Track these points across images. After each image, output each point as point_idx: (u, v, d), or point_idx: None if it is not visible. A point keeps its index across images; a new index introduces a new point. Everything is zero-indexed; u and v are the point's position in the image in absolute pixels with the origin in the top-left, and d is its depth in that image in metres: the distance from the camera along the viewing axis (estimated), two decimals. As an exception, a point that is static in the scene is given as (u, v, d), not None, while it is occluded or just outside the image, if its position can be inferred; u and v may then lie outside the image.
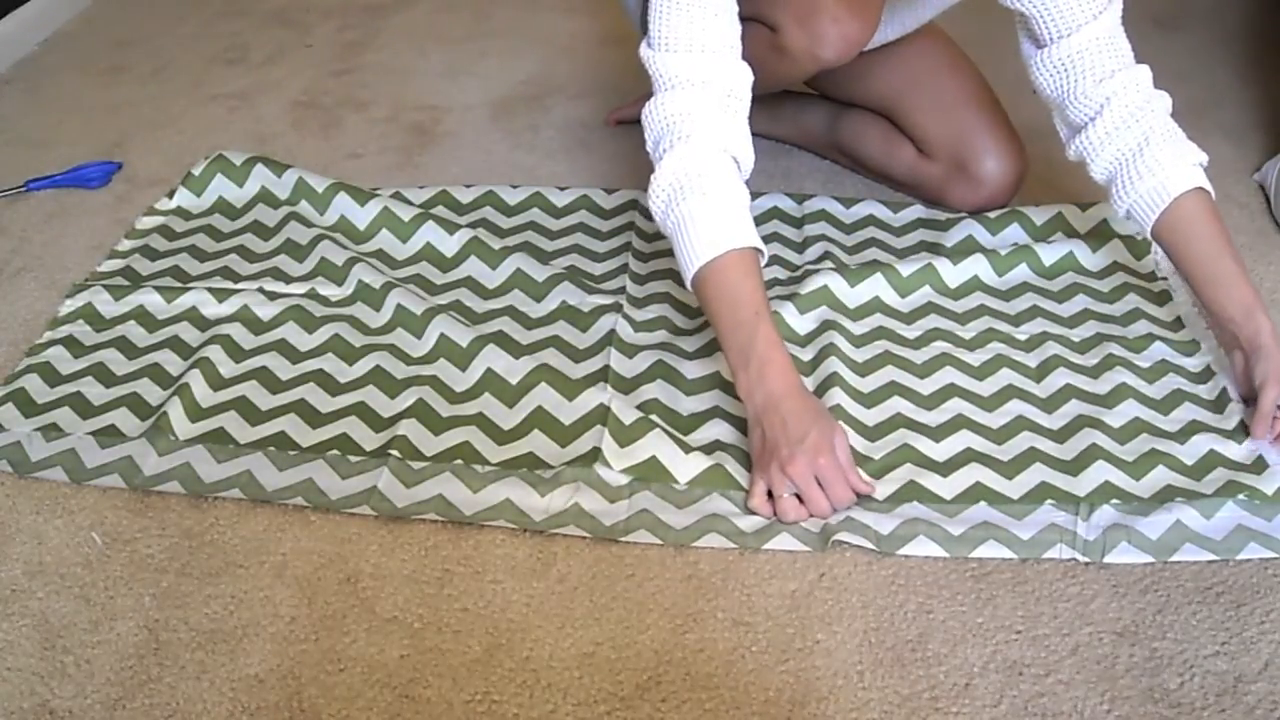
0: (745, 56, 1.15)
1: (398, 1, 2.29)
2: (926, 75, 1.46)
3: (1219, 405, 1.17)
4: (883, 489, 1.09)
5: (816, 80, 1.56)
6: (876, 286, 1.34)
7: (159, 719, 0.91)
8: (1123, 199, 1.20)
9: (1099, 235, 1.42)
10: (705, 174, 1.09)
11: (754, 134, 1.62)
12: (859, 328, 1.30)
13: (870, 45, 1.44)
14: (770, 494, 1.05)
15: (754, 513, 1.07)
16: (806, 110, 1.63)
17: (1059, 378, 1.22)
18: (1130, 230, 1.43)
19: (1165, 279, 1.36)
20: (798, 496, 1.05)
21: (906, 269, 1.35)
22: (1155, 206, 1.16)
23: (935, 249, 1.43)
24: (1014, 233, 1.44)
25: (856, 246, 1.45)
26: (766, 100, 1.65)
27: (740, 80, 1.13)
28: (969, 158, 1.43)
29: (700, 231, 1.08)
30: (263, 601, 1.01)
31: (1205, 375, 1.22)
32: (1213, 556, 1.01)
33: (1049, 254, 1.39)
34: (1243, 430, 1.13)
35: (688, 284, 1.11)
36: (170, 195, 1.58)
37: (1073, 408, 1.17)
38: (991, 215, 1.46)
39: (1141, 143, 1.17)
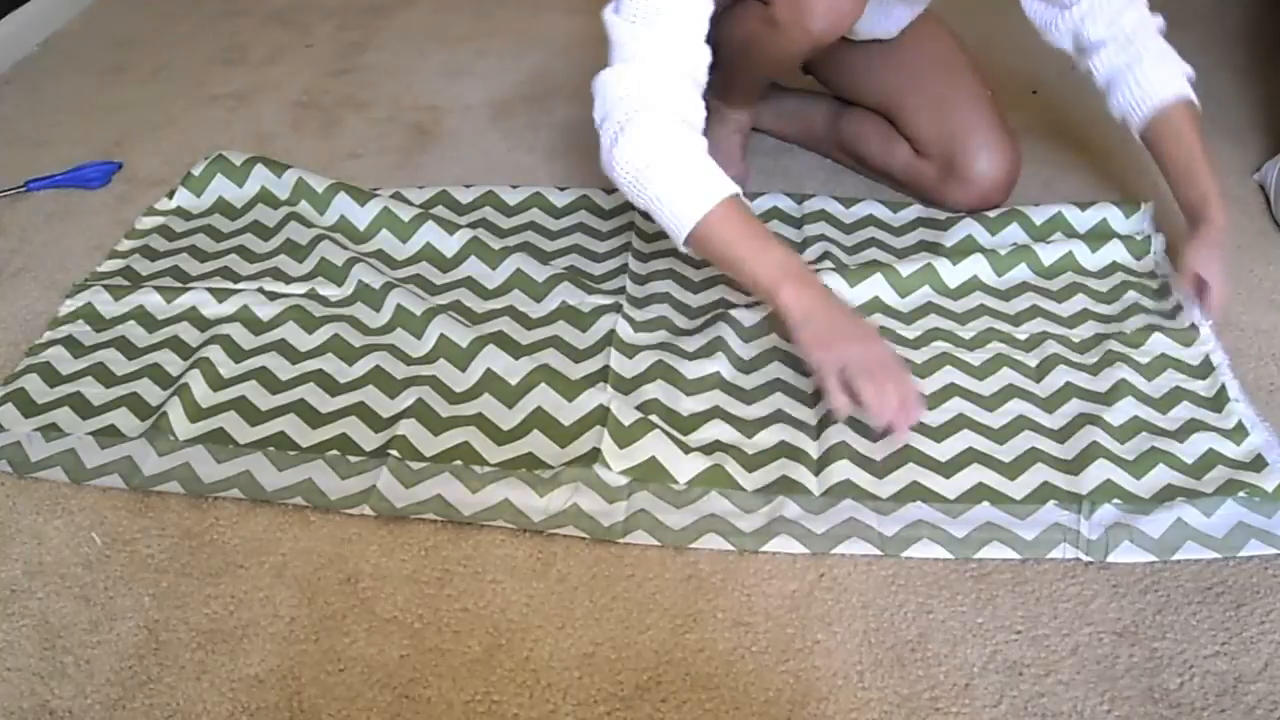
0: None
1: (398, 1, 2.29)
2: (921, 74, 1.47)
3: (1218, 403, 1.17)
4: (886, 488, 1.09)
5: (821, 75, 1.57)
6: (876, 286, 1.34)
7: (159, 719, 0.91)
8: (1117, 106, 1.33)
9: (1099, 235, 1.42)
10: (669, 142, 1.12)
11: (758, 131, 1.64)
12: (859, 328, 1.30)
13: (873, 34, 1.46)
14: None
15: (831, 401, 1.08)
16: (810, 108, 1.64)
17: (1059, 377, 1.22)
18: (1130, 230, 1.43)
19: (1165, 276, 1.37)
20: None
21: (906, 269, 1.35)
22: (1144, 114, 1.30)
23: (935, 249, 1.42)
24: (1014, 232, 1.44)
25: (856, 246, 1.45)
26: (771, 98, 1.66)
27: (700, 63, 1.15)
28: (960, 157, 1.44)
29: (686, 188, 1.11)
30: (263, 601, 1.01)
31: (1204, 370, 1.22)
32: (1214, 554, 1.02)
33: (1049, 254, 1.39)
34: (1242, 429, 1.14)
35: (680, 245, 1.13)
36: (170, 195, 1.58)
37: (1073, 407, 1.18)
38: (991, 215, 1.46)
39: (1134, 60, 1.30)
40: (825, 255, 1.42)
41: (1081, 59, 1.36)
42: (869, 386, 1.05)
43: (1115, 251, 1.40)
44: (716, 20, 1.18)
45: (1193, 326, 1.26)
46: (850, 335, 1.09)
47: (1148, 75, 1.29)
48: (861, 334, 1.11)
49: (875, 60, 1.49)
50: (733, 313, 1.30)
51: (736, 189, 1.12)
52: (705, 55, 1.15)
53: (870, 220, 1.49)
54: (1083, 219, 1.45)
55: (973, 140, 1.43)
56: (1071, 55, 1.38)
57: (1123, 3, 1.32)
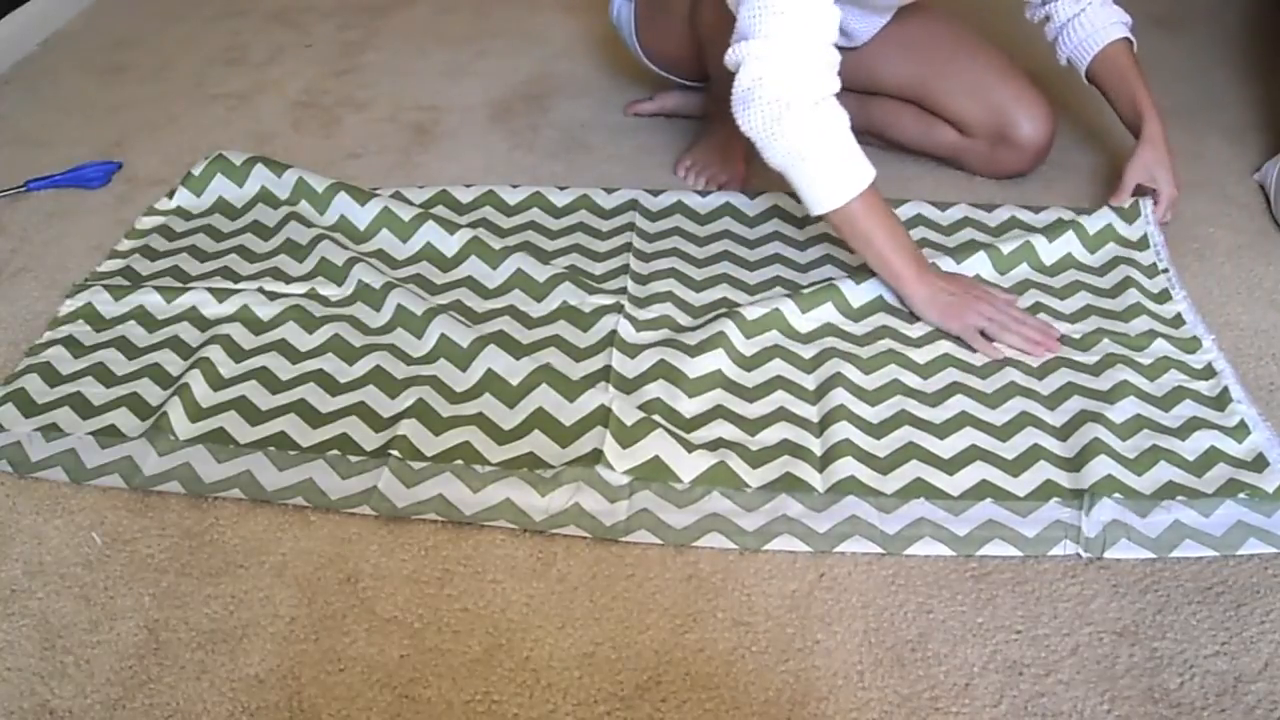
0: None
1: (398, 1, 2.29)
2: (945, 60, 1.55)
3: (1220, 403, 1.17)
4: (889, 484, 1.09)
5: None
6: (880, 285, 1.33)
7: (159, 719, 0.91)
8: (1064, 49, 1.49)
9: (1099, 235, 1.42)
10: (822, 129, 1.20)
11: None
12: (862, 327, 1.30)
13: (872, 32, 1.53)
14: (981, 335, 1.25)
15: (986, 354, 1.25)
16: None
17: (1060, 375, 1.22)
18: (1131, 234, 1.44)
19: (1166, 270, 1.37)
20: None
21: None
22: (1089, 54, 1.47)
23: (937, 246, 1.43)
24: (1017, 237, 1.43)
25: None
26: None
27: (833, 23, 1.20)
28: (1008, 129, 1.53)
29: (834, 174, 1.22)
30: (263, 601, 1.01)
31: (1207, 373, 1.22)
32: (1213, 552, 1.02)
33: (1049, 253, 1.39)
34: (1244, 427, 1.14)
35: (817, 212, 1.25)
36: (170, 195, 1.58)
37: (1075, 404, 1.18)
38: (992, 223, 1.48)
39: (1082, 9, 1.46)
40: (826, 256, 1.42)
41: (1039, 8, 1.50)
42: (1009, 337, 1.25)
43: (1116, 249, 1.41)
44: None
45: (1195, 338, 1.26)
46: (969, 299, 1.27)
47: (1092, 20, 1.45)
48: (977, 295, 1.28)
49: (889, 51, 1.55)
50: (736, 309, 1.30)
51: (873, 173, 1.23)
52: (837, 15, 1.21)
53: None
54: (1085, 220, 1.45)
55: (1015, 110, 1.52)
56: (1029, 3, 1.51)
57: None
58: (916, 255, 1.28)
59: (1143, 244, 1.41)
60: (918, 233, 1.47)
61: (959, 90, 1.53)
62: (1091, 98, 1.49)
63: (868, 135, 1.64)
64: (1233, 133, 1.71)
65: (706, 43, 1.51)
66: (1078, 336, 1.28)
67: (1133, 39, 1.46)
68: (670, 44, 1.65)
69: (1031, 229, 1.45)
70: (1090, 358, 1.24)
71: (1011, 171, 1.57)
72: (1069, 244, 1.40)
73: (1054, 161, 1.58)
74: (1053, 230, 1.43)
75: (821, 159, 1.21)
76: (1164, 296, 1.34)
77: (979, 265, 1.37)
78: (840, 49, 1.57)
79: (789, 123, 1.18)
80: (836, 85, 1.22)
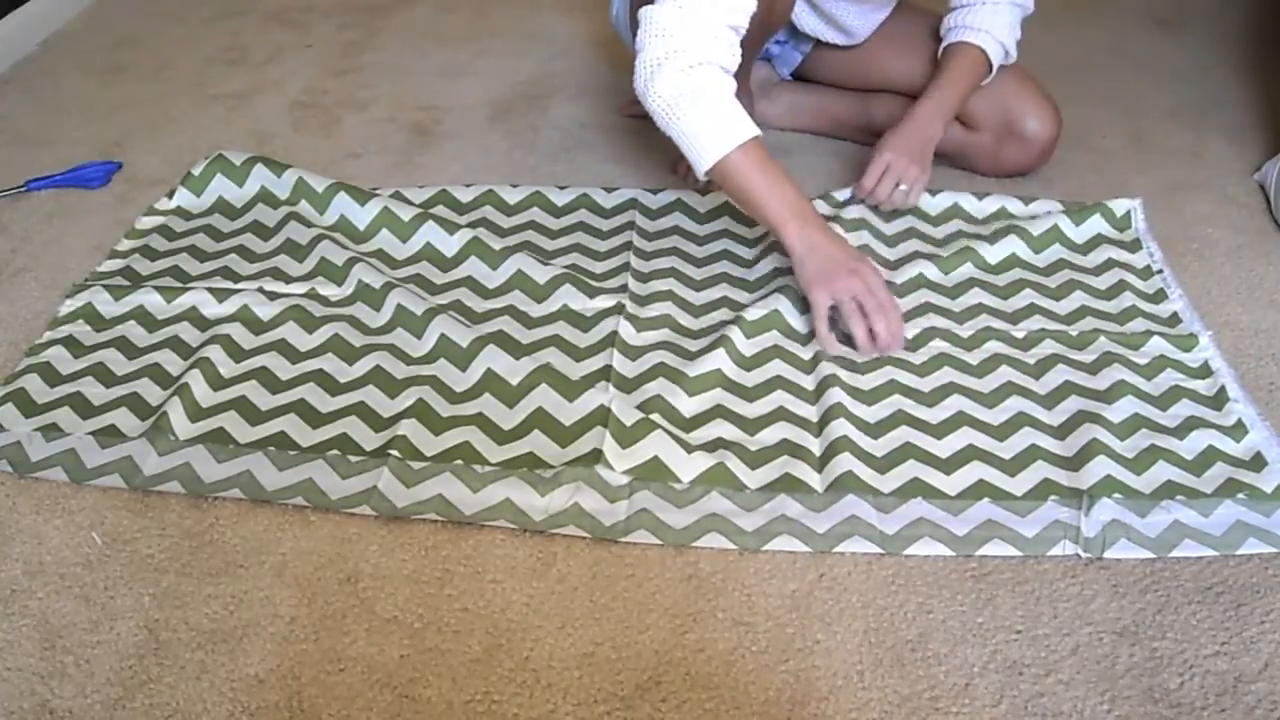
0: None
1: (398, 1, 2.29)
2: None
3: (1217, 402, 1.17)
4: (888, 484, 1.09)
5: (838, 75, 1.64)
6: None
7: (159, 719, 0.91)
8: (945, 23, 1.50)
9: (1093, 241, 1.43)
10: (700, 83, 1.21)
11: (779, 129, 1.68)
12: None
13: (872, 26, 1.56)
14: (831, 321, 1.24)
15: (821, 342, 1.24)
16: (831, 101, 1.68)
17: (1058, 374, 1.22)
18: (1124, 237, 1.44)
19: (1160, 271, 1.37)
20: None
21: (900, 277, 1.36)
22: (948, 40, 1.48)
23: (932, 256, 1.43)
24: (1011, 243, 1.43)
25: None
26: (776, 95, 1.69)
27: (742, 11, 1.24)
28: (1016, 123, 1.53)
29: (711, 127, 1.22)
30: (263, 601, 1.01)
31: (1203, 371, 1.22)
32: (1212, 552, 1.02)
33: (1042, 259, 1.40)
34: (1242, 426, 1.14)
35: (701, 169, 1.24)
36: (170, 195, 1.58)
37: (1072, 404, 1.18)
38: (986, 231, 1.47)
39: (983, 1, 1.47)
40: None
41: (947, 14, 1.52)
42: (858, 329, 1.23)
43: (1109, 251, 1.41)
44: None
45: (1192, 335, 1.27)
46: (844, 270, 1.22)
47: (975, 16, 1.46)
48: (854, 267, 1.23)
49: (896, 51, 1.57)
50: (740, 314, 1.30)
51: (757, 132, 1.23)
52: (749, 6, 1.24)
53: (863, 224, 1.49)
54: (1079, 233, 1.45)
55: (1022, 105, 1.53)
56: None
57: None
58: (801, 210, 1.24)
59: (1135, 246, 1.42)
60: (907, 222, 1.48)
61: None
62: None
63: (869, 134, 1.65)
64: (1233, 133, 1.71)
65: None
66: (1074, 334, 1.28)
67: (991, 60, 1.46)
68: None
69: (1028, 234, 1.44)
70: (1087, 356, 1.24)
71: (1016, 169, 1.57)
72: (1062, 251, 1.41)
73: (1054, 160, 1.58)
74: (1044, 236, 1.43)
75: (694, 115, 1.22)
76: (1159, 296, 1.34)
77: (972, 270, 1.38)
78: (841, 46, 1.59)
79: (661, 79, 1.22)
80: (726, 61, 1.24)
